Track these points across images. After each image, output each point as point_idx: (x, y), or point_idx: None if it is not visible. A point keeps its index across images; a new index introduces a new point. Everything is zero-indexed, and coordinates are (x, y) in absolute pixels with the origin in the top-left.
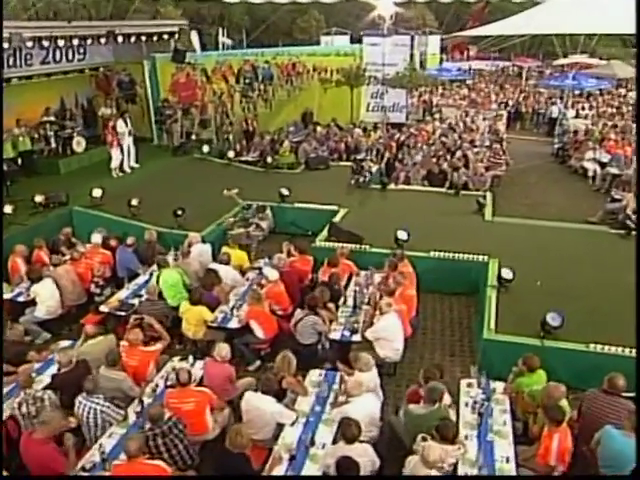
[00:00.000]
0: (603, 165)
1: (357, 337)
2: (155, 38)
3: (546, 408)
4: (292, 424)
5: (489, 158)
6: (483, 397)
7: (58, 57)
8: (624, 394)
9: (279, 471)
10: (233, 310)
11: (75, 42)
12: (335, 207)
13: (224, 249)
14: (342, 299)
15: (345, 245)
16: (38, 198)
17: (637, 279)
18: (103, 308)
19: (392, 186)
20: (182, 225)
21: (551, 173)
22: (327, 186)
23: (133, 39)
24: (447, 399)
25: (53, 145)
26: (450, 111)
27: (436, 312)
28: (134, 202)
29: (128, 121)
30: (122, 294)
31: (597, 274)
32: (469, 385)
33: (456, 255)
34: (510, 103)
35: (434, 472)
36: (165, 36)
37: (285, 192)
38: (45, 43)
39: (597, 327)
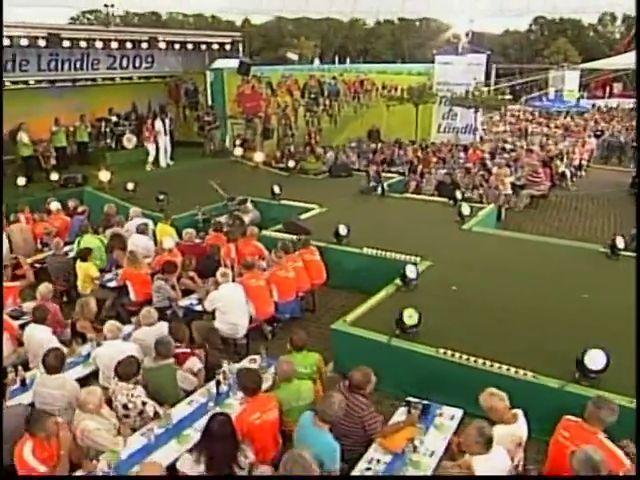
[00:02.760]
0: None
1: (200, 307)
2: (216, 47)
3: None
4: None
5: (527, 177)
6: None
7: (125, 64)
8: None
9: None
10: (119, 271)
11: (143, 50)
12: (314, 206)
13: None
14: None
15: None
16: (54, 176)
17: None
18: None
19: (397, 195)
20: (162, 209)
21: (613, 200)
22: (331, 190)
23: (191, 47)
24: None
25: (109, 140)
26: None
27: (334, 304)
28: (129, 186)
29: (166, 121)
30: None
31: (537, 289)
32: None
33: (388, 254)
34: (606, 134)
35: None
36: (227, 46)
37: (277, 190)
38: (83, 44)
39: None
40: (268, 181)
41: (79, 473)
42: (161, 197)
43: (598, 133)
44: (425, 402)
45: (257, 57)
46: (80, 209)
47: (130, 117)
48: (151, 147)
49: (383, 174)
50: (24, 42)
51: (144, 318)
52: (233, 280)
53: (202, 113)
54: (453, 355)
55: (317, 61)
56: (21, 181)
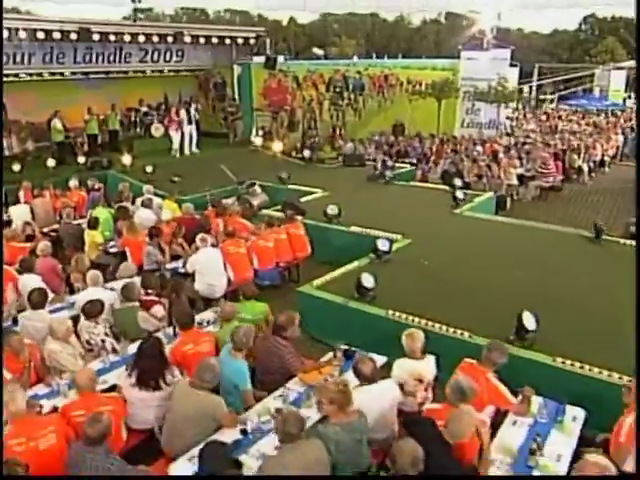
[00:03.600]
0: None
1: (183, 270)
2: (241, 41)
3: None
4: None
5: (537, 168)
6: None
7: (156, 57)
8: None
9: None
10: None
11: (174, 44)
12: (318, 190)
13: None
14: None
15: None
16: (81, 159)
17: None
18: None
19: (402, 182)
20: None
21: (628, 195)
22: (341, 177)
23: (215, 41)
24: None
25: (138, 129)
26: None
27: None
28: (148, 169)
29: (191, 111)
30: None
31: (507, 267)
32: None
33: (371, 232)
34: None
35: None
36: (252, 40)
37: (284, 175)
38: (112, 38)
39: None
40: (284, 168)
41: (41, 386)
42: (175, 179)
43: (628, 130)
44: (348, 348)
45: (302, 55)
46: (97, 186)
47: (160, 108)
48: (175, 135)
49: (396, 164)
50: (57, 35)
51: (121, 271)
52: (215, 247)
53: (226, 104)
54: (400, 316)
55: (356, 59)
56: (51, 163)
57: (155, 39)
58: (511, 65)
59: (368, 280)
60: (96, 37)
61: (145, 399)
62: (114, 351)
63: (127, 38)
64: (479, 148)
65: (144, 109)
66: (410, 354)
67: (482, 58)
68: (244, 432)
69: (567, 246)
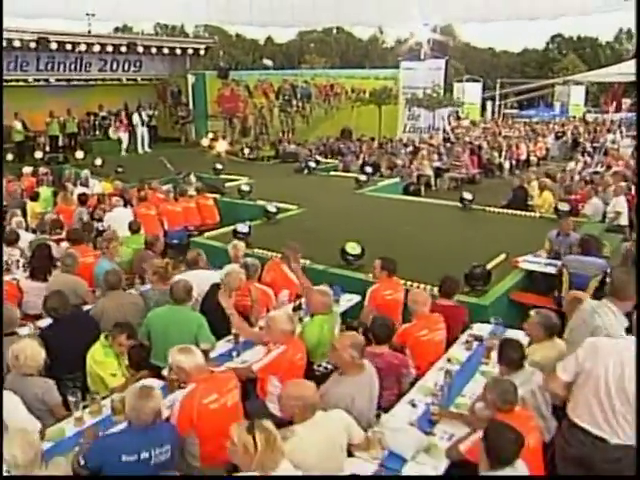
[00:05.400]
0: None
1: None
2: (191, 52)
3: None
4: None
5: (452, 162)
6: None
7: (115, 67)
8: None
9: None
10: None
11: (133, 55)
12: (245, 178)
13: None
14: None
15: None
16: (38, 154)
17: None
18: None
19: (322, 173)
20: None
21: None
22: (272, 170)
23: (166, 51)
24: None
25: (97, 132)
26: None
27: None
28: (97, 162)
29: (143, 115)
30: None
31: (379, 230)
32: None
33: (271, 203)
34: (569, 134)
35: None
36: (202, 51)
37: (219, 167)
38: (69, 47)
39: None
40: (224, 164)
41: None
42: (119, 169)
43: (559, 135)
44: None
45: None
46: (44, 171)
47: (120, 113)
48: (124, 136)
49: (323, 159)
50: (17, 44)
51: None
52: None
53: (178, 109)
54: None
55: (269, 62)
56: (9, 157)
57: (110, 49)
58: (473, 80)
59: (353, 248)
60: (54, 46)
61: (35, 288)
62: (24, 267)
63: (83, 47)
64: (410, 148)
65: (103, 114)
66: None
67: (419, 68)
68: None
69: (441, 213)
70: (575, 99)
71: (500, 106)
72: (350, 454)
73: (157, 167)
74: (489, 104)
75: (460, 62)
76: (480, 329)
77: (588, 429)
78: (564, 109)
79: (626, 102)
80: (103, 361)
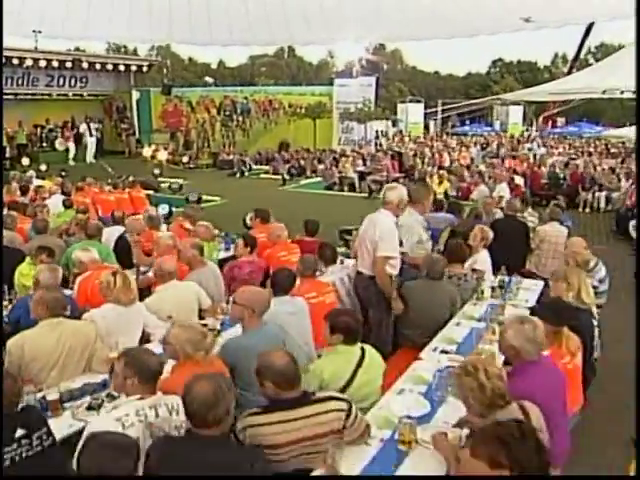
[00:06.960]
0: None
1: None
2: (134, 69)
3: None
4: None
5: (373, 167)
6: None
7: (61, 82)
8: None
9: None
10: None
11: (79, 71)
12: (181, 180)
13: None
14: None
15: None
16: None
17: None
18: None
19: (253, 176)
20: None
21: None
22: (209, 175)
23: (110, 67)
24: None
25: (44, 143)
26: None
27: None
28: (42, 168)
29: (91, 126)
30: None
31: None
32: None
33: (196, 193)
34: (493, 146)
35: None
36: (144, 68)
37: (156, 172)
38: (15, 62)
39: None
40: (162, 170)
41: None
42: (63, 174)
43: (484, 146)
44: None
45: None
46: None
47: (67, 126)
48: (71, 146)
49: (257, 166)
50: None
51: None
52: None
53: (123, 123)
54: None
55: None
56: None
57: (55, 64)
58: (417, 101)
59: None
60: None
61: None
62: None
63: (30, 62)
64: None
65: (50, 126)
66: None
67: (352, 84)
68: None
69: (348, 202)
70: (514, 118)
71: (443, 125)
72: None
73: (100, 173)
74: (432, 123)
75: (405, 84)
76: None
77: (364, 272)
78: (503, 127)
79: (561, 121)
80: (27, 273)
